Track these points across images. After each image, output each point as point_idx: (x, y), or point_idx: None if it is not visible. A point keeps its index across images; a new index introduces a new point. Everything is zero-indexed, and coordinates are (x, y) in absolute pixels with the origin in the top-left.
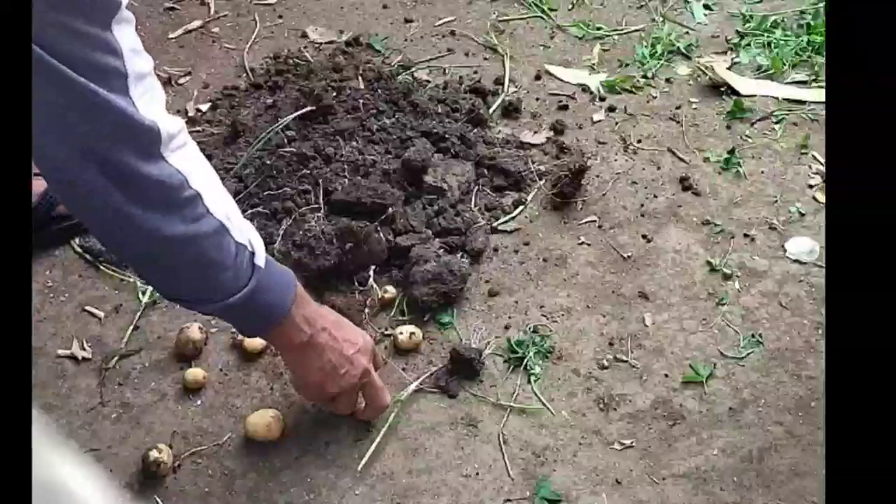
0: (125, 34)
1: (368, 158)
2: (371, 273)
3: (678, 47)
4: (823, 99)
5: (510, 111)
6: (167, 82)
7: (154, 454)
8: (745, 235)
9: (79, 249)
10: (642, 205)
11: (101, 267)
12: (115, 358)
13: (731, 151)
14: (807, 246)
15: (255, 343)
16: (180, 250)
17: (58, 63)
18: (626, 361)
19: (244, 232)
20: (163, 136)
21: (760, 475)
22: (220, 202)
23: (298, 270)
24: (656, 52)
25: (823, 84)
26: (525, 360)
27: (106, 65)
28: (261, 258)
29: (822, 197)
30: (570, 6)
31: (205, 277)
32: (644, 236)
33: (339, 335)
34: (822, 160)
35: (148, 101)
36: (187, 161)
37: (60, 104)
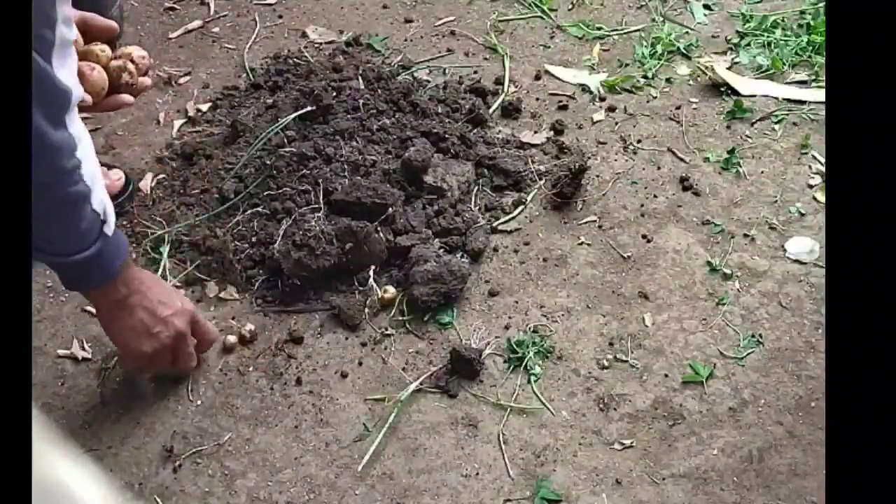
0: (64, 5)
1: (368, 158)
2: (371, 273)
3: (678, 47)
4: (823, 99)
5: (510, 111)
6: (167, 82)
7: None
8: (745, 235)
9: None
10: (642, 205)
11: None
12: (115, 358)
13: (731, 151)
14: (807, 246)
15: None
16: (50, 209)
17: None
18: (626, 361)
19: (102, 201)
20: (73, 101)
21: (760, 475)
22: (91, 168)
23: (298, 270)
24: (656, 52)
25: (823, 84)
26: (525, 360)
27: (41, 35)
28: (110, 227)
29: (822, 197)
30: (570, 6)
31: (62, 233)
32: (644, 236)
33: (154, 297)
34: (822, 160)
35: (67, 69)
36: (78, 126)
37: None
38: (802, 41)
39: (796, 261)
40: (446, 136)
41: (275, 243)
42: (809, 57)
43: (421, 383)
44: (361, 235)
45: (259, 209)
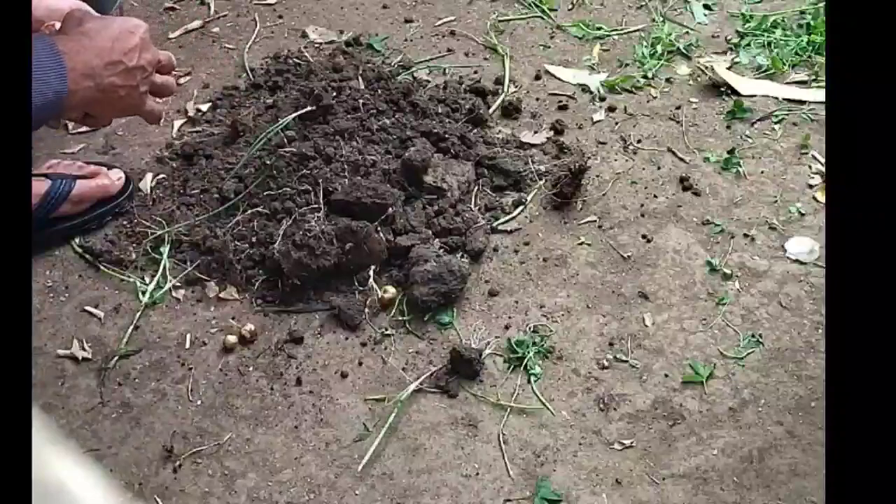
0: None
1: (368, 158)
2: (371, 273)
3: (678, 47)
4: (823, 99)
5: (510, 111)
6: None
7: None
8: (745, 235)
9: (79, 249)
10: (642, 205)
11: (101, 267)
12: (115, 358)
13: (731, 151)
14: (807, 246)
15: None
16: None
17: None
18: (626, 361)
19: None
20: None
21: (760, 475)
22: None
23: (298, 270)
24: (656, 52)
25: (823, 84)
26: (525, 360)
27: None
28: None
29: (822, 197)
30: (570, 6)
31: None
32: (644, 236)
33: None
34: (822, 160)
35: None
36: None
37: None
38: (802, 41)
39: (796, 261)
40: (446, 136)
41: (275, 243)
42: (809, 57)
43: (421, 383)
44: (361, 235)
45: (259, 209)
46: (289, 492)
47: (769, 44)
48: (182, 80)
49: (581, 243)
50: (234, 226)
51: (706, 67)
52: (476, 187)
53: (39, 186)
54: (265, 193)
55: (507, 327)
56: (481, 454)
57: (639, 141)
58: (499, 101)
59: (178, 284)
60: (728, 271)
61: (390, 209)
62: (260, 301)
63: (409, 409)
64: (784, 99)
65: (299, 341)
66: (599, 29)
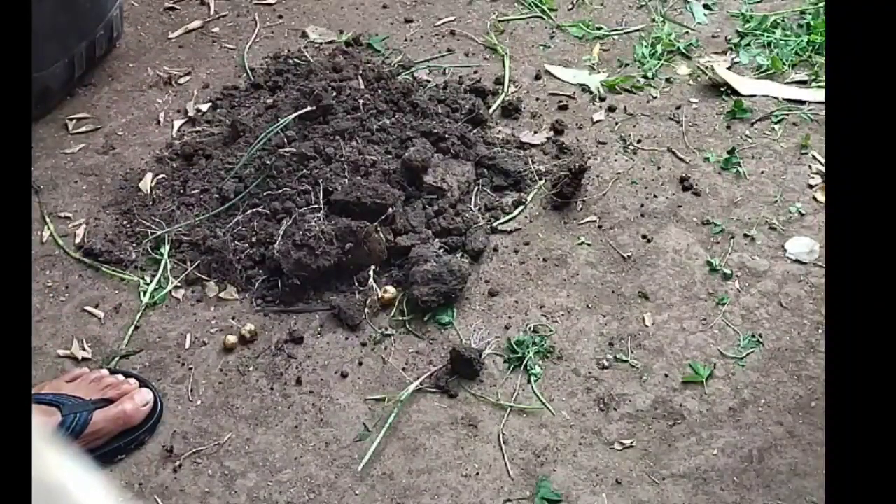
0: None
1: (368, 158)
2: (371, 273)
3: (678, 47)
4: (823, 99)
5: (510, 111)
6: (167, 82)
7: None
8: (745, 235)
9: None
10: (642, 205)
11: (101, 267)
12: (115, 358)
13: (731, 151)
14: (807, 246)
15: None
16: None
17: None
18: (626, 361)
19: None
20: None
21: (760, 475)
22: None
23: (298, 270)
24: (656, 52)
25: (823, 84)
26: (525, 360)
27: None
28: None
29: (822, 197)
30: (570, 6)
31: None
32: (644, 236)
33: None
34: (822, 160)
35: None
36: None
37: None
38: (802, 41)
39: (796, 261)
40: (446, 136)
41: (275, 243)
42: (809, 57)
43: (421, 383)
44: (361, 235)
45: (259, 209)
46: (289, 492)
47: (769, 44)
48: (182, 80)
49: (581, 243)
50: (234, 226)
51: (706, 67)
52: (476, 187)
53: (47, 419)
54: (265, 193)
55: (507, 327)
56: (481, 454)
57: (639, 141)
58: (499, 101)
59: (179, 284)
60: (728, 271)
61: (390, 209)
62: (260, 301)
63: (409, 409)
64: (784, 99)
65: (299, 341)
66: (599, 29)
